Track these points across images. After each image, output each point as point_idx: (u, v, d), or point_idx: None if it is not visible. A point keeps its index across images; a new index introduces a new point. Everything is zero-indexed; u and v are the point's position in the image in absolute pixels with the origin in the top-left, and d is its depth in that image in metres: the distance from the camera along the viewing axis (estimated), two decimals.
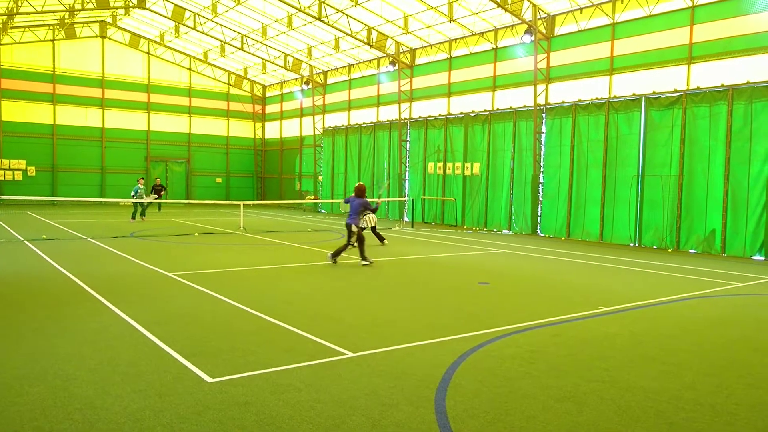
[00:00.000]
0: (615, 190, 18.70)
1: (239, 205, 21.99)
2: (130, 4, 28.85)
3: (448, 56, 25.57)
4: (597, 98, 19.38)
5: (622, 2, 19.11)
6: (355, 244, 12.78)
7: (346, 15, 24.40)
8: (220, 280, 10.24)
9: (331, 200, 30.53)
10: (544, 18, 21.18)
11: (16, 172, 31.91)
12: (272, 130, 40.02)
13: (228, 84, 38.76)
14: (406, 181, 27.22)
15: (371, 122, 29.48)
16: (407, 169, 27.27)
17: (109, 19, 33.31)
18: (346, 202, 13.52)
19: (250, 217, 26.73)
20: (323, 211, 33.08)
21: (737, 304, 9.34)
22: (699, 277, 11.97)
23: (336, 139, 31.82)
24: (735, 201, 15.95)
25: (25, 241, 15.32)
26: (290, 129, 38.04)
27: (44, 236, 16.62)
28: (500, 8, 20.44)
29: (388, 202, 27.44)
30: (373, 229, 16.30)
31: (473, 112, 23.72)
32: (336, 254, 12.65)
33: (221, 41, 31.73)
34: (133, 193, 22.16)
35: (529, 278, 11.47)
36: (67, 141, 33.41)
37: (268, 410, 4.58)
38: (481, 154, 23.34)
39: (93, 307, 8.03)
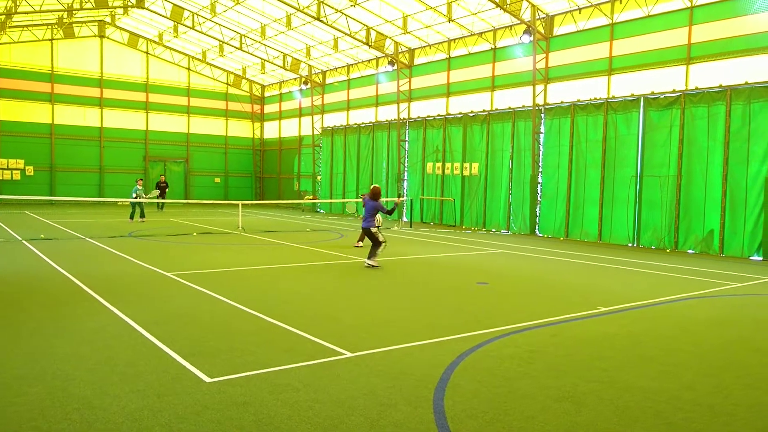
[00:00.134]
0: (613, 191, 18.72)
1: (238, 204, 21.98)
2: (129, 4, 28.83)
3: (447, 56, 25.58)
4: (595, 98, 19.39)
5: (620, 3, 19.12)
6: (383, 240, 12.49)
7: (345, 15, 24.39)
8: (218, 280, 10.23)
9: (329, 200, 30.54)
10: (543, 18, 21.19)
11: (14, 171, 31.86)
12: (271, 130, 40.01)
13: (227, 84, 38.73)
14: (405, 181, 27.22)
15: (370, 122, 29.49)
16: (406, 169, 27.27)
17: (108, 19, 33.27)
18: (363, 199, 13.55)
19: (248, 216, 26.72)
20: (322, 211, 33.07)
21: (735, 305, 9.35)
22: (697, 278, 11.98)
23: (335, 139, 31.82)
24: (733, 201, 15.97)
25: (24, 241, 15.30)
26: (289, 129, 38.03)
27: (42, 236, 16.60)
28: (499, 8, 20.45)
29: (386, 202, 27.39)
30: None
31: (472, 112, 23.73)
32: (370, 257, 12.31)
33: (220, 41, 31.71)
34: (133, 194, 22.14)
35: (527, 278, 11.48)
36: (65, 141, 33.36)
37: (267, 410, 4.57)
38: (480, 154, 23.34)
39: (91, 307, 8.02)
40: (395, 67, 27.03)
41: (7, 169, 31.71)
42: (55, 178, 32.93)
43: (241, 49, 31.61)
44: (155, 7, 28.96)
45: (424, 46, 26.54)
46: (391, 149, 27.81)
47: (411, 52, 27.26)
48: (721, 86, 16.31)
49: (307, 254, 14.30)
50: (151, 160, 36.23)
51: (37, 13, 27.39)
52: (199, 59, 36.46)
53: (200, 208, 33.11)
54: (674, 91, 17.33)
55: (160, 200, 27.07)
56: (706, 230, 16.59)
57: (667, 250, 17.08)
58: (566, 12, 20.73)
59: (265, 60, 33.15)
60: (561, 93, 20.96)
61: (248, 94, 39.78)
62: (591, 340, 6.87)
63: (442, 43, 25.66)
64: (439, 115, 25.28)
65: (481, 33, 23.82)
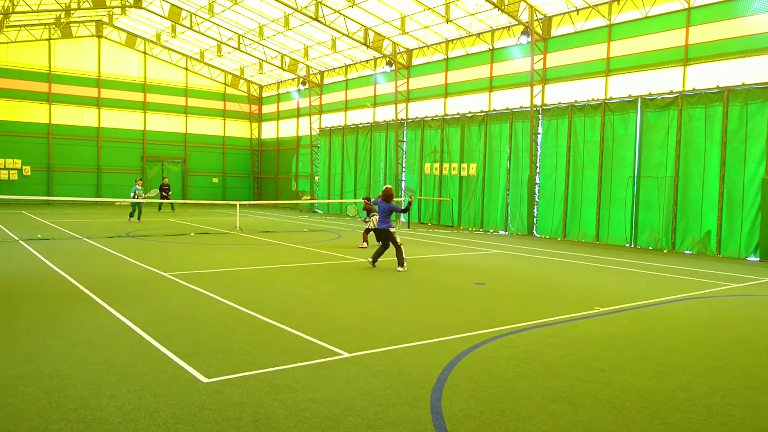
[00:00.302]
0: (611, 191, 18.75)
1: (235, 205, 21.96)
2: (127, 4, 28.79)
3: (445, 57, 25.59)
4: (593, 99, 19.42)
5: (618, 4, 19.16)
6: (399, 243, 12.15)
7: (343, 15, 24.39)
8: (216, 281, 10.22)
9: (327, 200, 30.53)
10: (541, 19, 21.22)
11: (11, 171, 31.80)
12: (269, 131, 39.98)
13: (224, 84, 38.70)
14: (403, 182, 27.22)
15: (368, 123, 29.49)
16: (404, 169, 27.27)
17: (106, 19, 33.22)
18: (374, 203, 13.40)
19: (246, 217, 26.70)
20: (319, 211, 33.05)
21: (732, 305, 9.37)
22: (694, 278, 12.00)
23: (333, 140, 31.82)
24: (730, 202, 16.01)
25: (20, 241, 15.27)
26: (287, 129, 38.01)
27: (39, 236, 16.56)
28: (497, 9, 20.47)
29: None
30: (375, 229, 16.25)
31: (470, 112, 23.74)
32: (401, 263, 11.96)
33: (218, 41, 31.69)
34: (132, 194, 22.11)
35: (525, 279, 11.49)
36: (62, 140, 33.30)
37: (264, 410, 4.57)
38: (478, 154, 23.36)
39: (88, 307, 8.01)
40: (393, 67, 27.03)
41: (4, 169, 31.64)
42: (53, 178, 32.87)
43: (239, 49, 31.59)
44: (153, 7, 28.93)
45: (422, 47, 26.56)
46: (389, 150, 27.81)
47: (409, 52, 27.27)
48: (718, 87, 16.35)
49: (305, 254, 14.30)
50: (149, 160, 36.19)
51: (34, 12, 27.35)
52: (197, 59, 36.43)
53: (198, 209, 33.08)
54: (671, 92, 17.37)
55: (167, 201, 27.05)
56: (703, 231, 16.63)
57: (665, 251, 17.11)
58: (564, 13, 20.76)
59: (263, 60, 33.14)
60: (559, 94, 20.99)
61: (246, 95, 39.76)
62: (588, 341, 6.88)
63: (440, 43, 25.68)
64: (437, 116, 25.29)
65: (479, 34, 23.84)
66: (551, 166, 20.67)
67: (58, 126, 33.24)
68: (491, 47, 23.51)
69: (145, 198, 22.65)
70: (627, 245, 18.27)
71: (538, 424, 4.45)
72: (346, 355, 6.05)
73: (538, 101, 21.31)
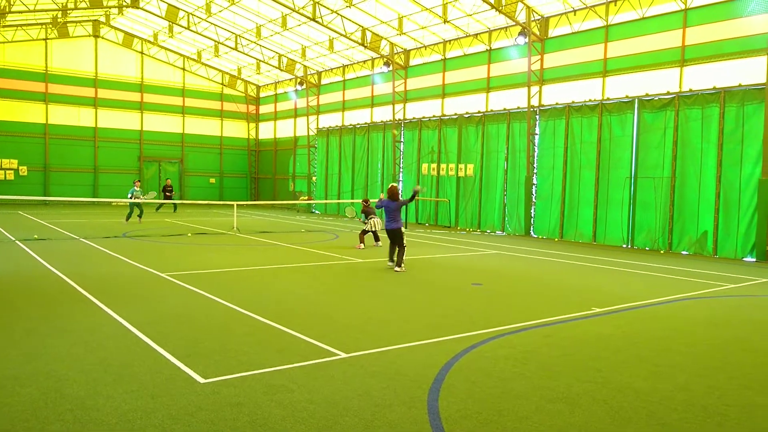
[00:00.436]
0: (608, 192, 18.78)
1: (233, 205, 21.92)
2: (124, 4, 28.73)
3: (443, 57, 25.61)
4: (590, 100, 19.45)
5: (615, 5, 19.19)
6: (404, 245, 12.10)
7: (341, 16, 24.39)
8: (213, 281, 10.20)
9: (325, 201, 30.52)
10: (538, 20, 21.24)
11: (7, 171, 31.71)
12: (266, 131, 39.95)
13: (222, 84, 38.66)
14: (400, 182, 27.22)
15: (365, 123, 29.49)
16: (401, 169, 27.27)
17: (103, 19, 33.16)
18: (379, 206, 13.21)
19: (243, 217, 26.67)
20: (317, 211, 33.03)
21: (729, 306, 9.39)
22: (691, 279, 12.02)
23: (330, 140, 31.81)
24: (727, 203, 16.05)
25: (17, 241, 15.23)
26: (284, 129, 37.98)
27: (36, 236, 16.52)
28: (494, 10, 20.49)
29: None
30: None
31: (467, 113, 23.76)
32: (399, 264, 11.95)
33: (215, 41, 31.65)
34: (129, 195, 22.05)
35: (522, 279, 11.50)
36: (59, 140, 33.22)
37: (261, 411, 4.57)
38: (475, 155, 23.37)
39: (85, 307, 7.99)
40: (391, 68, 27.03)
41: (1, 169, 31.55)
42: (49, 178, 32.79)
43: (236, 49, 31.55)
44: (150, 7, 28.88)
45: (420, 47, 26.57)
46: (387, 150, 27.81)
47: (406, 53, 27.28)
48: (715, 88, 16.39)
49: (302, 255, 14.29)
50: (146, 161, 36.12)
51: (31, 12, 27.28)
52: (194, 59, 36.38)
53: (195, 209, 33.02)
54: (668, 93, 17.41)
55: (170, 202, 27.02)
56: (699, 231, 16.66)
57: (661, 252, 17.14)
58: (561, 14, 20.79)
59: (260, 60, 33.10)
60: (556, 94, 21.02)
61: (243, 95, 39.72)
62: (585, 341, 6.88)
63: (437, 44, 25.69)
64: (434, 116, 25.30)
65: (476, 34, 23.86)
66: (548, 167, 20.69)
67: (54, 126, 33.16)
68: (488, 48, 23.53)
69: (143, 199, 22.58)
70: (624, 246, 18.30)
71: (536, 425, 4.45)
72: (343, 355, 6.05)
73: (535, 102, 21.34)
